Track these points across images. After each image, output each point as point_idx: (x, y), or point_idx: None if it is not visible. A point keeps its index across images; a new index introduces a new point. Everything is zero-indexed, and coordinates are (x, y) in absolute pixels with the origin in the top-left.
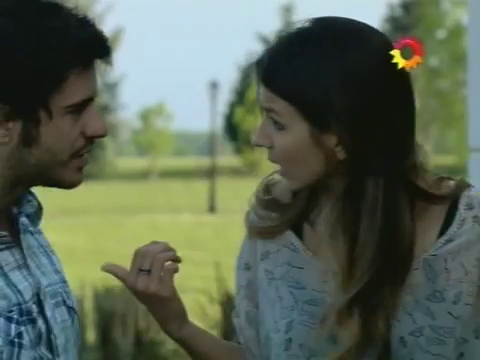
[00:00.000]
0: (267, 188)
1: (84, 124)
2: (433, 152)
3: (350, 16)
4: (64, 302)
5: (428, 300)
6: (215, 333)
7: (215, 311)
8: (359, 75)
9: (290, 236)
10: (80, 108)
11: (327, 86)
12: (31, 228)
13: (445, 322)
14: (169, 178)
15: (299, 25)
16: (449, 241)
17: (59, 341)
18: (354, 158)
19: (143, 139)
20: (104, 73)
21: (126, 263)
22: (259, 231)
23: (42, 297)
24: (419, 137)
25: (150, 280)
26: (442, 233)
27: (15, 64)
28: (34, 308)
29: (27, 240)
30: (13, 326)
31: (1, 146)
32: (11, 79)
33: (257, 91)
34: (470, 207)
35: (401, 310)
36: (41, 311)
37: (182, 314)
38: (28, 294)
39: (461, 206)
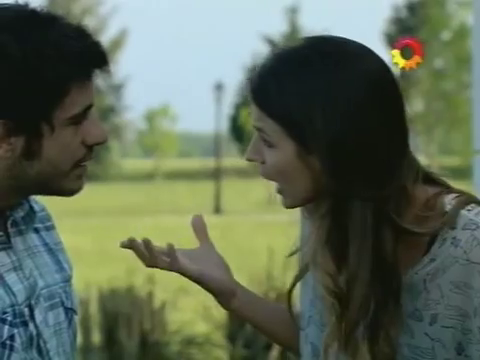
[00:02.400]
0: None
1: (84, 133)
2: (438, 154)
3: (356, 17)
4: (62, 303)
5: (409, 318)
6: (220, 335)
7: (220, 312)
8: (344, 100)
9: None
10: (81, 118)
11: (311, 108)
12: (37, 225)
13: (422, 342)
14: (174, 179)
15: (292, 44)
16: (432, 260)
17: (50, 345)
18: (336, 182)
19: (148, 140)
20: (108, 75)
21: (131, 265)
22: None
23: (33, 301)
24: (424, 138)
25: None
26: (427, 251)
27: (16, 80)
28: (26, 311)
29: (25, 240)
30: (6, 328)
31: (2, 159)
32: (13, 95)
33: (249, 108)
34: (452, 227)
35: None
36: (31, 315)
37: (224, 290)
38: (21, 297)
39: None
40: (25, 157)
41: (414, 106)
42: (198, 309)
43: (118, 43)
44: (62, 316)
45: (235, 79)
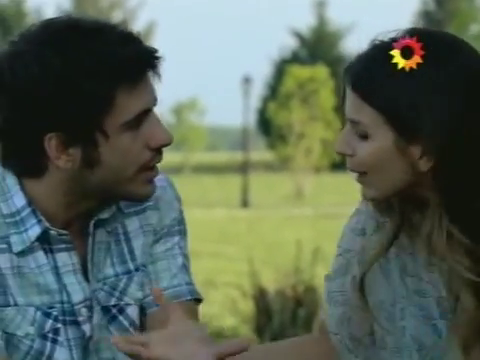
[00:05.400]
0: None
1: (146, 137)
2: None
3: (384, 11)
4: (98, 303)
5: None
6: (248, 328)
7: (248, 306)
8: (452, 90)
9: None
10: (136, 123)
11: (418, 98)
12: (132, 209)
13: None
14: (202, 173)
15: (393, 34)
16: None
17: (92, 346)
18: (437, 171)
19: (176, 134)
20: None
21: None
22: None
23: (94, 304)
24: None
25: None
26: None
27: (61, 94)
28: (84, 312)
29: (96, 236)
30: (50, 321)
31: (65, 170)
32: (60, 108)
33: (341, 98)
34: None
35: None
36: (90, 317)
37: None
38: (78, 297)
39: None
40: (85, 166)
41: None
42: (225, 302)
43: (146, 36)
44: (100, 315)
45: (263, 72)
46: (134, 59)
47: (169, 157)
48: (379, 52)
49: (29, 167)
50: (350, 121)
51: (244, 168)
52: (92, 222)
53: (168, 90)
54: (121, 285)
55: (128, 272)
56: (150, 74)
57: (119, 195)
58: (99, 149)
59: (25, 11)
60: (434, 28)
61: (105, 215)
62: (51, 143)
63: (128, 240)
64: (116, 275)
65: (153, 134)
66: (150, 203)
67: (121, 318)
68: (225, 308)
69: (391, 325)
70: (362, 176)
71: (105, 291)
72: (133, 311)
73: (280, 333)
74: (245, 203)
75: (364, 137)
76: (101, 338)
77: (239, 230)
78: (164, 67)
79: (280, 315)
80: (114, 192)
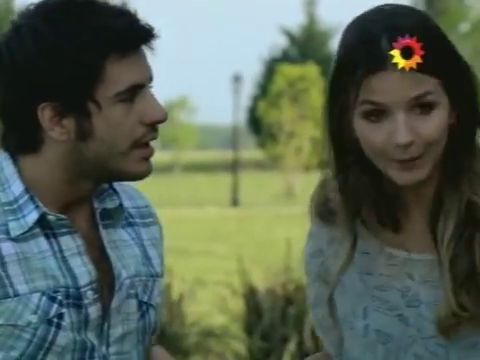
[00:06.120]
0: (326, 198)
1: (140, 112)
2: None
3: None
4: (136, 295)
5: None
6: (238, 326)
7: (238, 304)
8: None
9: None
10: (130, 96)
11: (459, 60)
12: (135, 220)
13: None
14: (193, 171)
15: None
16: None
17: (113, 331)
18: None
19: (166, 132)
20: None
21: None
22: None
23: (117, 288)
24: None
25: None
26: None
27: (53, 64)
28: (90, 294)
29: (109, 234)
30: (55, 306)
31: (61, 143)
32: (53, 78)
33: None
34: None
35: None
36: (99, 298)
37: None
38: (84, 280)
39: None
40: (79, 138)
41: None
42: (215, 301)
43: None
44: (134, 307)
45: (253, 71)
46: (126, 31)
47: (159, 156)
48: (406, 18)
49: (25, 141)
50: (410, 101)
51: (234, 167)
52: (98, 211)
53: (158, 88)
54: (150, 285)
55: (152, 276)
56: (145, 50)
57: (114, 172)
58: (92, 120)
59: (15, 8)
60: None
61: (109, 205)
62: (44, 113)
63: (144, 248)
64: (146, 275)
65: (146, 109)
66: (151, 219)
67: (146, 317)
68: (215, 306)
69: (354, 333)
70: (419, 158)
71: (141, 286)
72: (153, 315)
73: (270, 332)
74: (235, 202)
75: (429, 110)
76: (126, 330)
77: (229, 229)
78: (154, 66)
79: (270, 313)
80: (109, 169)
